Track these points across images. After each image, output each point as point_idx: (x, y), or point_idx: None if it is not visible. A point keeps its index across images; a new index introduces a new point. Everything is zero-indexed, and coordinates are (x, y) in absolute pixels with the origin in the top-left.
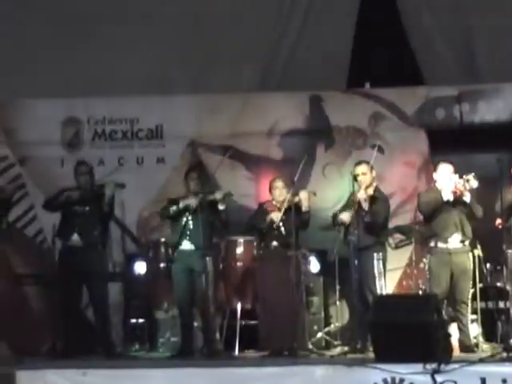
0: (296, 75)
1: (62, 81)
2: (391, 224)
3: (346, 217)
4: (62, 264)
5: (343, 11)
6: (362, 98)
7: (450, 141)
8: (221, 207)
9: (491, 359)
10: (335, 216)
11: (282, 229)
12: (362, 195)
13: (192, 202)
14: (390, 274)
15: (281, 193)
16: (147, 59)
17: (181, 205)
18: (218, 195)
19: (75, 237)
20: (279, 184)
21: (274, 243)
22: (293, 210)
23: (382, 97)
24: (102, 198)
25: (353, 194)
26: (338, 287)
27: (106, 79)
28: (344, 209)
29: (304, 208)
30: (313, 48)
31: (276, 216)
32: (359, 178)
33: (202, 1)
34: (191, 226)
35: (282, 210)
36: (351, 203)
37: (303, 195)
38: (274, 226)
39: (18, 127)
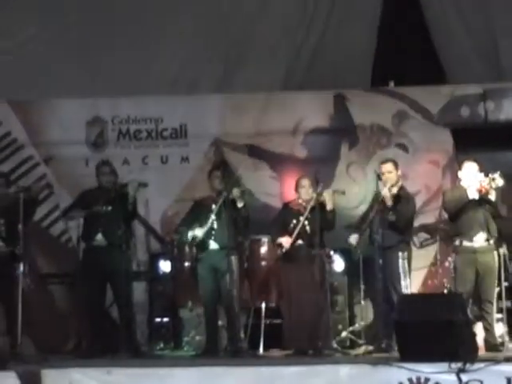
0: (320, 74)
1: (86, 80)
2: (416, 223)
3: (353, 240)
4: (86, 263)
5: (367, 10)
6: (387, 97)
7: (474, 139)
8: (239, 204)
9: None
10: (364, 216)
11: (307, 228)
12: (385, 193)
13: (199, 234)
14: (415, 273)
15: (307, 191)
16: (172, 59)
17: (189, 235)
18: (236, 192)
19: (99, 236)
20: (305, 183)
21: (299, 242)
22: (317, 209)
23: (407, 95)
24: (125, 198)
25: (377, 192)
26: (362, 286)
27: (130, 79)
28: (356, 228)
29: (329, 207)
30: (337, 47)
31: (286, 241)
32: (384, 177)
33: (227, 1)
34: (216, 226)
35: (305, 214)
36: (375, 202)
37: (328, 194)
38: (283, 250)
39: (43, 127)
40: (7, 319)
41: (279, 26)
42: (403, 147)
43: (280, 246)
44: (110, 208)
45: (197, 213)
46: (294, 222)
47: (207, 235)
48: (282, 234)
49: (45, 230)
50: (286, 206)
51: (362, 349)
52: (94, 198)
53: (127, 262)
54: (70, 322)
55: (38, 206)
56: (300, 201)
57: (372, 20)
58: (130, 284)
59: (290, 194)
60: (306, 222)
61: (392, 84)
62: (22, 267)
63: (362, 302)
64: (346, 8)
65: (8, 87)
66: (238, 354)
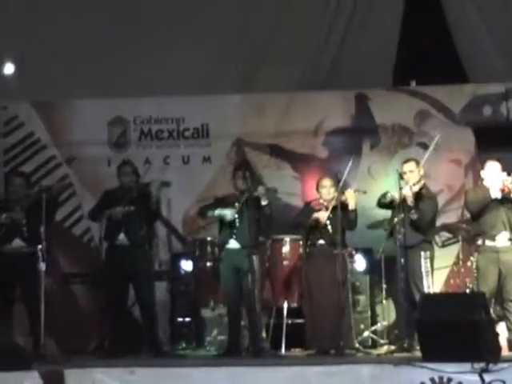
0: (342, 74)
1: (108, 81)
2: (438, 222)
3: (321, 215)
4: (108, 263)
5: (389, 9)
6: (408, 96)
7: (496, 138)
8: (263, 202)
9: None
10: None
11: (329, 227)
12: (407, 192)
13: (228, 214)
14: (437, 273)
15: (328, 191)
16: (194, 59)
17: (216, 212)
18: (261, 189)
19: (121, 236)
20: (327, 183)
21: (321, 242)
22: (339, 208)
23: (428, 95)
24: (148, 198)
25: (398, 191)
26: (384, 286)
27: (152, 79)
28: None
29: (350, 207)
30: (359, 46)
31: (323, 216)
32: (406, 176)
33: (249, 0)
34: (237, 225)
35: (329, 208)
36: (396, 201)
37: (350, 194)
38: (320, 225)
39: (65, 127)
40: (30, 319)
41: (302, 26)
42: (425, 146)
43: (317, 220)
44: (132, 208)
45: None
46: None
47: (229, 234)
48: (305, 233)
49: (67, 230)
50: (308, 205)
51: (384, 348)
52: (116, 198)
53: (149, 261)
54: (93, 322)
55: (59, 205)
56: (321, 200)
57: (394, 19)
58: (152, 284)
59: (312, 194)
60: (328, 222)
61: (414, 83)
62: (44, 267)
63: (384, 302)
64: (368, 7)
65: (31, 88)
66: (260, 353)
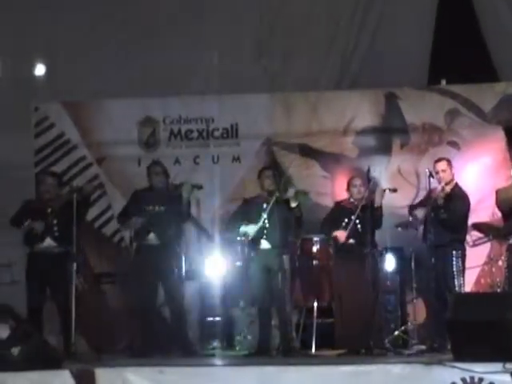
0: (372, 73)
1: (138, 81)
2: (469, 221)
3: (340, 234)
4: (138, 263)
5: (420, 9)
6: (438, 95)
7: None
8: (293, 204)
9: None
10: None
11: (359, 226)
12: (438, 191)
13: (251, 231)
14: (468, 272)
15: (359, 191)
16: (222, 58)
17: (241, 229)
18: (291, 192)
19: (151, 236)
20: (357, 182)
21: (351, 241)
22: (368, 208)
23: (459, 93)
24: (179, 199)
25: (429, 191)
26: (414, 285)
27: (181, 79)
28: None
29: (376, 204)
30: (389, 46)
31: (341, 235)
32: (439, 175)
33: (278, 0)
34: (268, 225)
35: (357, 210)
36: (427, 200)
37: (378, 192)
38: (338, 244)
39: (95, 127)
40: (61, 319)
41: (331, 25)
42: (455, 145)
43: (335, 239)
44: (162, 208)
45: (246, 211)
46: (346, 220)
47: (258, 233)
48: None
49: (98, 230)
50: (338, 204)
51: (415, 348)
52: (146, 198)
53: (178, 261)
54: (123, 321)
55: (90, 206)
56: (352, 200)
57: (426, 19)
58: (181, 283)
59: (342, 193)
60: (358, 221)
61: (444, 82)
62: (75, 267)
63: (414, 301)
64: (398, 7)
65: (61, 89)
66: (290, 353)
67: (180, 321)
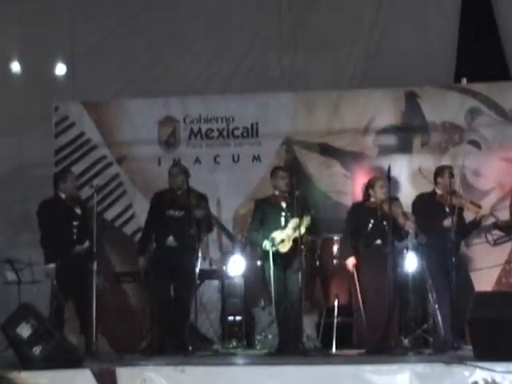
0: (394, 72)
1: (158, 80)
2: (489, 220)
3: (350, 262)
4: (156, 263)
5: (444, 8)
6: (459, 94)
7: None
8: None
9: None
10: None
11: (386, 227)
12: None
13: (267, 245)
14: (489, 271)
15: (384, 192)
16: (243, 57)
17: (266, 245)
18: (306, 221)
19: (170, 238)
20: (379, 183)
21: (378, 242)
22: (390, 207)
23: (480, 92)
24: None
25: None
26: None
27: (202, 78)
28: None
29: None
30: (410, 45)
31: (351, 263)
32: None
33: (299, 0)
34: (283, 225)
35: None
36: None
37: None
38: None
39: (115, 127)
40: (82, 318)
41: (354, 23)
42: (476, 144)
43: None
44: (182, 213)
45: (264, 213)
46: (372, 221)
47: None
48: (356, 235)
49: (118, 229)
50: (358, 205)
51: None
52: (166, 202)
53: (195, 262)
54: (143, 320)
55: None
56: (373, 199)
57: (451, 18)
58: (194, 285)
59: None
60: (384, 222)
61: (464, 81)
62: (96, 266)
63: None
64: (422, 5)
65: (81, 88)
66: (311, 352)
67: (181, 321)
